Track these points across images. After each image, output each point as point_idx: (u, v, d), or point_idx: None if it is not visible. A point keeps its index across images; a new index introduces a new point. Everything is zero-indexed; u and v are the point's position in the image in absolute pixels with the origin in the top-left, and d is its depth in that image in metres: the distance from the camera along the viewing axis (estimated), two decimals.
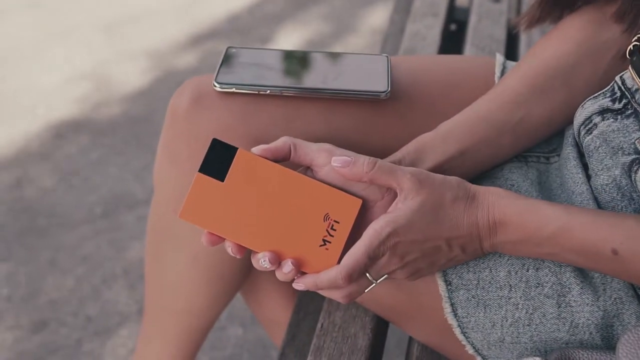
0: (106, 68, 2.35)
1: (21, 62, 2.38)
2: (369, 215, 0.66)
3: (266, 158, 0.65)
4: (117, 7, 2.71)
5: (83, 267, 1.61)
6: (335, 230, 0.65)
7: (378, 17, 2.62)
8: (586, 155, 0.73)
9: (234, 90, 0.76)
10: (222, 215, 0.64)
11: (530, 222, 0.64)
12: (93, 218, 1.75)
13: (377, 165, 0.64)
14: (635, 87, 0.69)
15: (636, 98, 0.69)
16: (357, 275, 0.63)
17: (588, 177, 0.72)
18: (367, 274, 0.64)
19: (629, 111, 0.69)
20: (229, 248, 0.65)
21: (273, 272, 0.66)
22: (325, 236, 0.65)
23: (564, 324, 0.68)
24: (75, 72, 2.33)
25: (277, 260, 0.64)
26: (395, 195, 0.66)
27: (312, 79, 0.78)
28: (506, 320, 0.70)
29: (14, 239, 1.69)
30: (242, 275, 0.88)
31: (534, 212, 0.64)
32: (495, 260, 0.70)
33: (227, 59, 0.80)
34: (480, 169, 0.74)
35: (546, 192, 0.75)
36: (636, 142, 0.67)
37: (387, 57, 0.82)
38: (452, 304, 0.71)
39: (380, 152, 0.73)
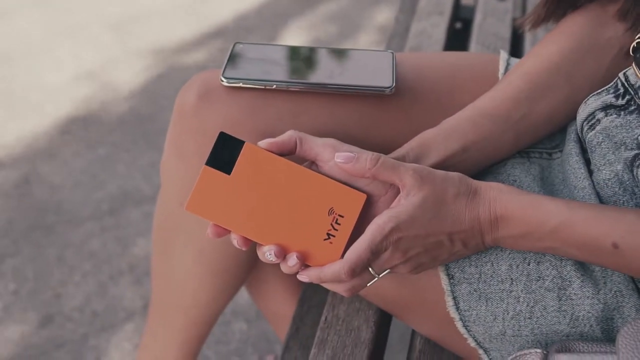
0: (114, 66, 2.36)
1: (29, 60, 2.40)
2: (373, 210, 0.67)
3: (272, 152, 0.66)
4: (124, 5, 2.72)
5: (89, 263, 1.63)
6: (339, 224, 0.65)
7: (384, 16, 2.62)
8: (589, 150, 0.73)
9: (240, 85, 0.77)
10: (228, 208, 0.65)
11: (532, 217, 0.64)
12: (100, 214, 1.76)
13: (380, 161, 0.64)
14: (639, 83, 0.70)
15: (639, 94, 0.69)
16: (360, 270, 0.64)
17: (590, 173, 0.73)
18: (370, 269, 0.65)
19: (632, 107, 0.70)
20: (234, 240, 0.66)
21: (277, 266, 0.67)
22: (330, 230, 0.65)
23: (565, 317, 0.69)
24: (83, 69, 2.34)
25: (283, 254, 0.65)
26: (398, 191, 0.66)
27: (318, 74, 0.79)
28: (507, 314, 0.70)
29: (21, 235, 1.70)
30: (247, 268, 0.89)
31: (535, 207, 0.65)
32: (496, 254, 0.71)
33: (234, 55, 0.81)
34: (484, 165, 0.75)
35: (548, 187, 0.76)
36: (639, 137, 0.68)
37: (392, 53, 0.82)
38: (454, 298, 0.71)
39: (384, 147, 0.74)
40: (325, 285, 0.67)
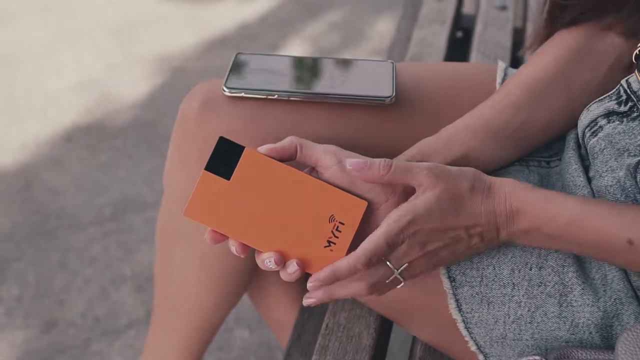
0: (116, 72, 2.37)
1: (32, 65, 2.41)
2: (374, 218, 0.67)
3: (272, 157, 0.66)
4: (127, 11, 2.74)
5: (92, 269, 1.63)
6: (340, 231, 0.65)
7: (386, 24, 2.63)
8: (590, 157, 0.74)
9: (242, 94, 0.78)
10: (228, 213, 0.64)
11: (547, 211, 0.65)
12: (102, 220, 1.77)
13: (394, 167, 0.65)
14: None
15: None
16: (376, 260, 0.63)
17: (589, 180, 0.73)
18: (388, 262, 0.65)
19: (635, 114, 0.70)
20: (233, 247, 0.65)
21: (279, 273, 0.67)
22: (331, 237, 0.65)
23: (565, 323, 0.69)
24: (86, 75, 2.35)
25: (283, 261, 0.65)
26: (400, 198, 0.67)
27: (319, 84, 0.80)
28: (509, 317, 0.71)
29: (24, 240, 1.71)
30: (249, 275, 0.89)
31: (550, 200, 0.65)
32: (498, 258, 0.71)
33: (236, 65, 0.82)
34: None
35: None
36: None
37: (392, 63, 0.83)
38: (456, 300, 0.72)
39: (384, 156, 0.74)
40: (342, 291, 0.67)
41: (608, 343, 0.69)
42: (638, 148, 0.68)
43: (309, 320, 1.00)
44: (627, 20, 0.75)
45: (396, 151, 0.74)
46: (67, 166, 1.95)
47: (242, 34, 2.61)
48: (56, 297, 1.56)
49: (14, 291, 1.58)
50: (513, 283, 0.71)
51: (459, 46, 1.53)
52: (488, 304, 0.71)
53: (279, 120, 0.77)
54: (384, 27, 2.62)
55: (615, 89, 0.73)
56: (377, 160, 0.65)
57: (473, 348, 0.73)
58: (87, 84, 2.31)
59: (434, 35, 1.38)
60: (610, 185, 0.70)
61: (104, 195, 1.85)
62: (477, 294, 0.71)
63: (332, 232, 0.65)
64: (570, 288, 0.69)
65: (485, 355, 0.74)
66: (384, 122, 0.80)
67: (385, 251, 0.63)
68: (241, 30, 2.63)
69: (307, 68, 0.83)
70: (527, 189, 0.66)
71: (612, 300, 0.69)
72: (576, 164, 0.74)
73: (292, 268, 0.65)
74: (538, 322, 0.70)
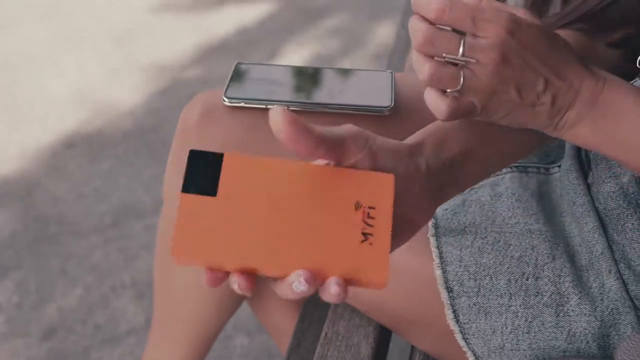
0: (117, 78, 2.38)
1: (33, 72, 2.41)
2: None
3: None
4: (128, 18, 2.74)
5: (92, 276, 1.64)
6: (373, 218, 0.50)
7: (385, 31, 2.64)
8: (593, 163, 0.74)
9: (242, 104, 0.78)
10: (227, 239, 0.49)
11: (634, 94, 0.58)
12: (103, 227, 1.77)
13: None
14: None
15: None
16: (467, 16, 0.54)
17: (588, 188, 0.74)
18: (461, 44, 0.54)
19: None
20: (235, 285, 0.48)
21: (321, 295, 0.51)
22: (364, 228, 0.50)
23: (562, 333, 0.70)
24: (86, 82, 2.35)
25: (314, 279, 0.48)
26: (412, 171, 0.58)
27: (318, 94, 0.80)
28: (506, 328, 0.71)
29: (24, 247, 1.72)
30: None
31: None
32: (495, 269, 0.72)
33: (236, 75, 0.82)
34: (485, 169, 0.68)
35: (547, 202, 0.76)
36: None
37: (391, 73, 0.84)
38: (454, 311, 0.72)
39: None
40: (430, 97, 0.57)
41: (605, 352, 0.69)
42: None
43: (309, 328, 1.00)
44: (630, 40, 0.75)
45: None
46: (68, 173, 1.96)
47: (242, 40, 2.61)
48: (56, 304, 1.57)
49: (14, 298, 1.58)
50: (510, 293, 0.71)
51: None
52: (485, 315, 0.72)
53: None
54: (383, 34, 2.63)
55: None
56: None
57: (471, 359, 0.74)
58: (87, 90, 2.31)
59: None
60: (613, 192, 0.70)
61: (105, 202, 1.85)
62: (475, 305, 0.72)
63: (363, 221, 0.50)
64: (567, 298, 0.70)
65: None
66: (383, 132, 0.79)
67: (470, 16, 0.54)
68: (242, 35, 2.64)
69: (306, 78, 0.84)
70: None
71: (610, 309, 0.69)
72: (576, 172, 0.75)
73: (334, 288, 0.47)
74: (535, 332, 0.70)
